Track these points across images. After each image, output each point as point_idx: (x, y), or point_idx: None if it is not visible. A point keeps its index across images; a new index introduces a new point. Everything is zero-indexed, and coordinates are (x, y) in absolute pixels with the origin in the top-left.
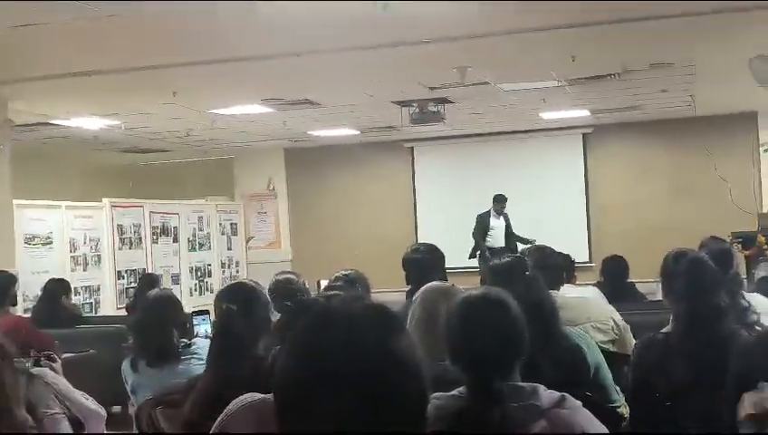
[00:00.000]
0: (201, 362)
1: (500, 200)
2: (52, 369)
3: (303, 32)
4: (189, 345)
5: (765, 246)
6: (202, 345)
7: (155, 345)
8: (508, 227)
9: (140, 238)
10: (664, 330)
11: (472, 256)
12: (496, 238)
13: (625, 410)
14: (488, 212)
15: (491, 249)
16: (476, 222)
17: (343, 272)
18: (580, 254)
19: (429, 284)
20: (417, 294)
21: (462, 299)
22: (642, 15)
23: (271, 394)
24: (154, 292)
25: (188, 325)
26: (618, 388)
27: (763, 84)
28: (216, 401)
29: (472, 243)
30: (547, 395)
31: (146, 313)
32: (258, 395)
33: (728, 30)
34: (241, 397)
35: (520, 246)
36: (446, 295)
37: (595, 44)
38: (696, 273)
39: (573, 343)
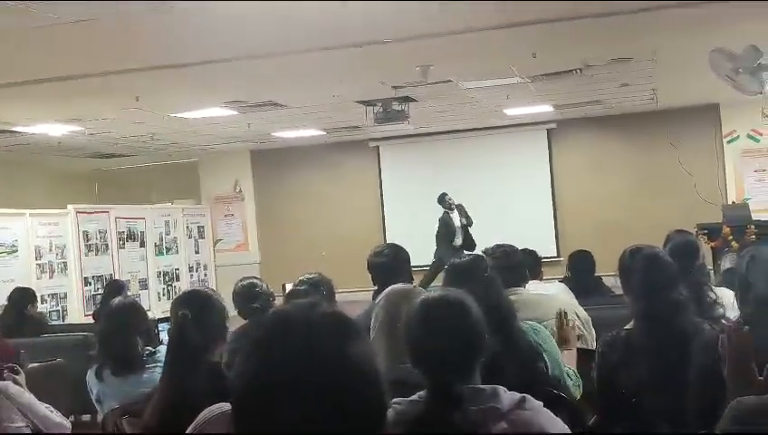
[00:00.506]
0: None
1: (442, 198)
2: (16, 382)
3: (264, 34)
4: (154, 353)
5: (730, 238)
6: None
7: (119, 354)
8: (465, 218)
9: (107, 244)
10: (627, 327)
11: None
12: (462, 236)
13: (578, 392)
14: (446, 213)
15: (455, 249)
16: (441, 225)
17: (307, 275)
18: (547, 248)
19: (392, 286)
20: (380, 296)
21: (421, 301)
22: (601, 11)
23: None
24: (117, 300)
25: (154, 332)
26: (571, 370)
27: (723, 78)
28: (172, 408)
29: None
30: (507, 397)
31: (109, 321)
32: (216, 406)
33: (688, 24)
34: (214, 406)
35: (481, 245)
36: (408, 297)
37: (555, 41)
38: (651, 269)
39: (529, 341)
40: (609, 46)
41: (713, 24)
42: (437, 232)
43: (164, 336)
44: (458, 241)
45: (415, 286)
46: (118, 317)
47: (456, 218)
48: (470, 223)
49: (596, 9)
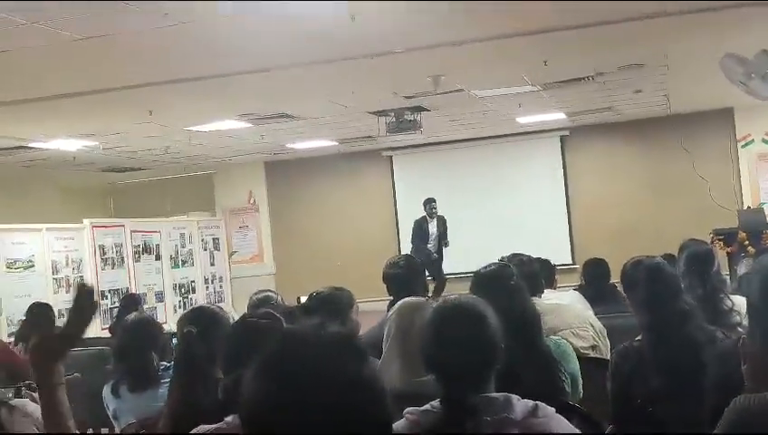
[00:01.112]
0: None
1: (427, 202)
2: (33, 399)
3: (276, 47)
4: (169, 368)
5: (746, 243)
6: None
7: (135, 370)
8: (442, 230)
9: (122, 258)
10: (639, 337)
11: None
12: (434, 243)
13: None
14: (424, 218)
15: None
16: (413, 229)
17: (318, 290)
18: (562, 256)
19: (403, 300)
20: (393, 309)
21: (435, 309)
22: (612, 18)
23: (223, 423)
24: (132, 316)
25: (169, 347)
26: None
27: (735, 82)
28: (179, 424)
29: (455, 248)
30: (521, 405)
31: (124, 337)
32: (207, 426)
33: (699, 30)
34: (211, 426)
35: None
36: (419, 310)
37: (567, 49)
38: (654, 281)
39: (551, 353)
40: (620, 53)
41: (724, 29)
42: (412, 236)
43: None
44: (432, 247)
45: (427, 299)
46: (133, 333)
47: (434, 226)
48: (444, 239)
49: (606, 16)
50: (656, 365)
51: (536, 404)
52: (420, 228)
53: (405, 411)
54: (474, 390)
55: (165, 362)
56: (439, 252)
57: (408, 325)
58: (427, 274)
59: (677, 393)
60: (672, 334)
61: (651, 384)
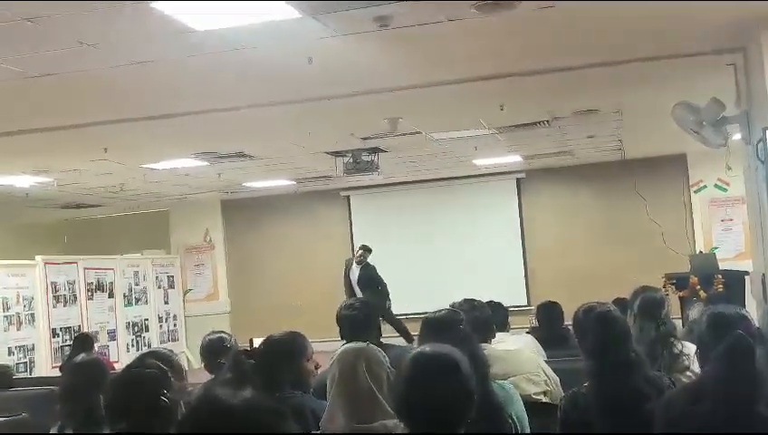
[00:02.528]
0: None
1: (361, 249)
2: None
3: (232, 87)
4: None
5: (698, 287)
6: None
7: (81, 413)
8: (363, 279)
9: (75, 295)
10: (587, 384)
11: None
12: (356, 290)
13: None
14: (350, 259)
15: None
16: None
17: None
18: (518, 297)
19: (346, 345)
20: (333, 356)
21: (412, 359)
22: (567, 66)
23: None
24: (80, 357)
25: None
26: None
27: (687, 130)
28: None
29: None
30: None
31: (70, 379)
32: None
33: (653, 77)
34: None
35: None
36: (361, 356)
37: (522, 94)
38: (603, 329)
39: (498, 401)
40: (574, 99)
41: (676, 78)
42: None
43: None
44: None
45: (368, 344)
46: (79, 375)
47: (354, 273)
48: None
49: (561, 63)
50: (600, 413)
51: None
52: (345, 274)
53: None
54: None
55: None
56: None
57: (350, 371)
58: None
59: None
60: (617, 383)
61: (598, 430)
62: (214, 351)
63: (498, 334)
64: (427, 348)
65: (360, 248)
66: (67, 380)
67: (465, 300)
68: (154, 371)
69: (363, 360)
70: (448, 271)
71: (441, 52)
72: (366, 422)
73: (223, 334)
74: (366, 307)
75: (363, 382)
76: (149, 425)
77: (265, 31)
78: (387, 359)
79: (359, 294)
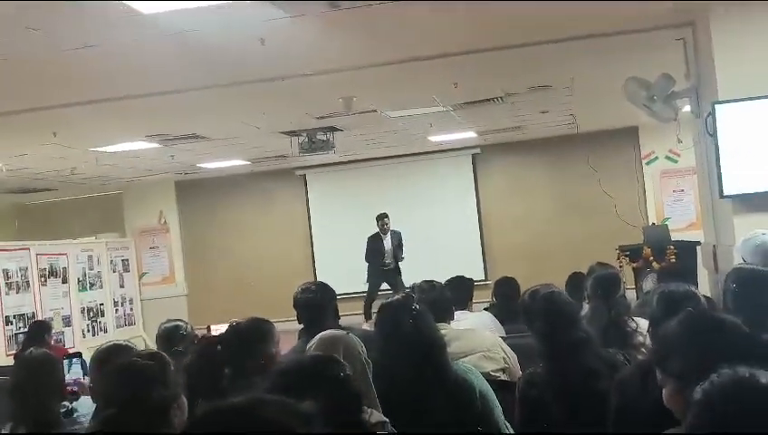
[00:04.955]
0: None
1: (380, 218)
2: None
3: (184, 69)
4: (71, 412)
5: (651, 258)
6: (85, 412)
7: (31, 414)
8: (397, 245)
9: (28, 281)
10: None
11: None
12: (388, 258)
13: None
14: (377, 234)
15: (384, 271)
16: (368, 245)
17: (235, 321)
18: (475, 272)
19: (323, 333)
20: (311, 343)
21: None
22: (519, 42)
23: None
24: (27, 353)
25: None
26: (507, 424)
27: (638, 105)
28: None
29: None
30: None
31: (19, 377)
32: None
33: (604, 53)
34: None
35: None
36: (340, 343)
37: (475, 71)
38: (549, 311)
39: (461, 378)
40: (527, 75)
41: (627, 53)
42: (366, 253)
43: (69, 374)
44: (390, 263)
45: (348, 332)
46: (28, 373)
47: (388, 242)
48: (399, 254)
49: (513, 40)
50: (555, 393)
51: None
52: (374, 245)
53: None
54: None
55: (66, 404)
56: (396, 267)
57: None
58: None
59: (578, 419)
60: (569, 363)
61: (556, 410)
62: (170, 339)
63: (458, 313)
64: None
65: (382, 217)
66: (18, 377)
67: (425, 281)
68: (151, 363)
69: (341, 347)
70: (405, 248)
71: (393, 31)
72: None
73: (179, 322)
74: (323, 290)
75: None
76: (138, 415)
77: (217, 13)
78: (364, 348)
79: (390, 264)
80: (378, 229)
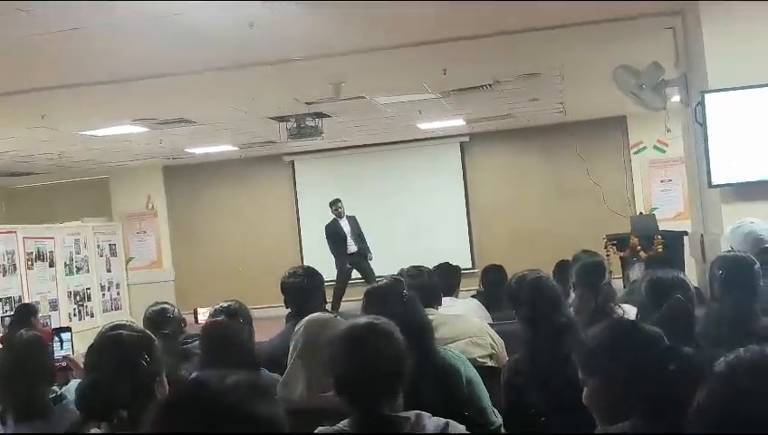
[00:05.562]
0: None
1: (333, 203)
2: None
3: (172, 53)
4: (61, 397)
5: (638, 248)
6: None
7: (20, 399)
8: (355, 229)
9: (15, 265)
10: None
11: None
12: (350, 243)
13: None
14: (334, 219)
15: (350, 256)
16: (327, 235)
17: (224, 304)
18: (463, 260)
19: (311, 315)
20: (300, 324)
21: (347, 330)
22: (509, 29)
23: None
24: (17, 335)
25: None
26: (495, 410)
27: (627, 94)
28: None
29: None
30: (432, 423)
31: (5, 361)
32: None
33: (594, 41)
34: None
35: (396, 258)
36: (327, 327)
37: (465, 58)
38: (534, 296)
39: (448, 363)
40: (517, 63)
41: (617, 41)
42: (328, 243)
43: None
44: (352, 248)
45: (336, 316)
46: (16, 357)
47: (345, 225)
48: (364, 248)
49: (503, 27)
50: (537, 379)
51: (447, 422)
52: (335, 232)
53: (315, 431)
54: (387, 408)
55: (56, 389)
56: (362, 251)
57: (314, 342)
58: (359, 276)
59: (561, 405)
60: (551, 349)
61: (540, 396)
62: (157, 322)
63: (445, 299)
64: (359, 320)
65: (335, 202)
66: (5, 360)
67: (413, 267)
68: (140, 335)
69: (329, 330)
70: (393, 235)
71: (383, 16)
72: (325, 392)
73: (165, 305)
74: (311, 274)
75: (326, 353)
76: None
77: None
78: None
79: (353, 248)
80: (333, 216)
